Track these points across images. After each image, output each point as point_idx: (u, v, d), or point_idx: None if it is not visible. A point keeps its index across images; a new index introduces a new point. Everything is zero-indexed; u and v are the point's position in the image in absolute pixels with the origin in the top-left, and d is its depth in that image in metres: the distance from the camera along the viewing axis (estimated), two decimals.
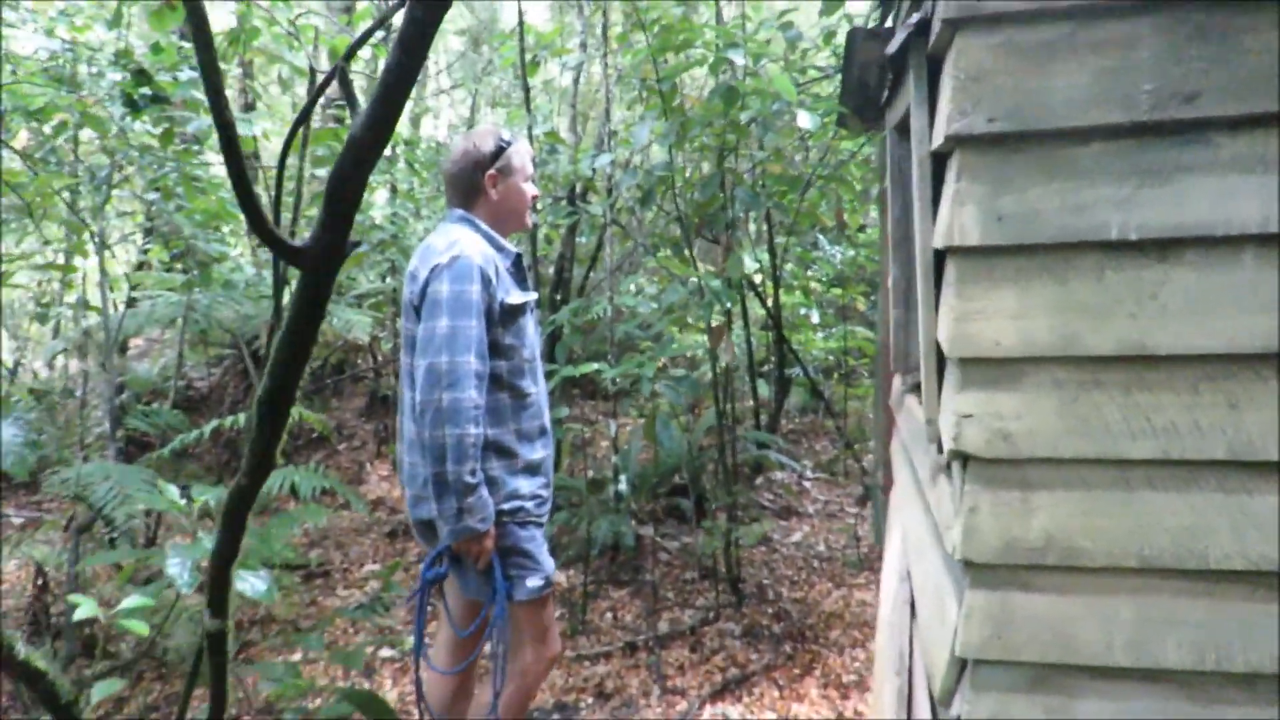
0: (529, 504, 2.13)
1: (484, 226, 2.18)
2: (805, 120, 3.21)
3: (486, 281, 2.03)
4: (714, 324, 3.60)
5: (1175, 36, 1.41)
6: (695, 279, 3.22)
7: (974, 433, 1.58)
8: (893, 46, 1.77)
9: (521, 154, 2.23)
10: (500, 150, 2.18)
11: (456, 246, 2.04)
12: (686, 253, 3.59)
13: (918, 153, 1.82)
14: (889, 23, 2.98)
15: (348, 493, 3.98)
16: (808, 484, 5.97)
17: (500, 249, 2.17)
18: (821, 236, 7.40)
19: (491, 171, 2.17)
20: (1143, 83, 1.43)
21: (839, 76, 4.68)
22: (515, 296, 2.13)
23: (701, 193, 3.36)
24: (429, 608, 2.13)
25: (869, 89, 3.87)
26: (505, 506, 2.08)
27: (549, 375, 4.21)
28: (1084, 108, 1.46)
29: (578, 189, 4.76)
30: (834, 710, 2.80)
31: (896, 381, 2.93)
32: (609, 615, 3.54)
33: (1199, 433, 1.50)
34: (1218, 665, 1.54)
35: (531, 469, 2.15)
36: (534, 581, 2.12)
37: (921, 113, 1.80)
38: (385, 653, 3.40)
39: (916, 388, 2.68)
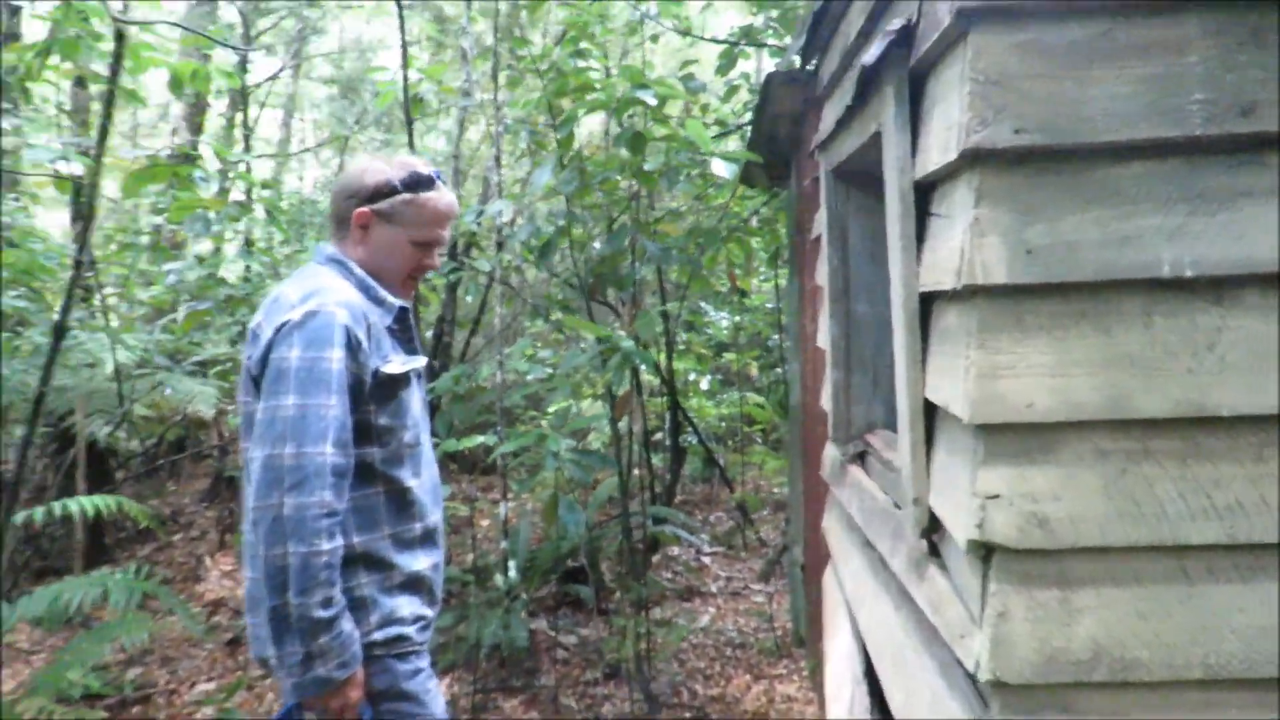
0: (410, 629, 1.63)
1: (358, 272, 1.69)
2: (721, 169, 2.96)
3: (354, 345, 1.56)
4: (621, 390, 3.23)
5: (1227, 40, 1.19)
6: (603, 339, 2.86)
7: (1003, 518, 1.26)
8: (869, 57, 1.50)
9: (423, 206, 1.71)
10: (388, 189, 1.69)
11: (315, 299, 1.55)
12: (587, 313, 3.23)
13: (898, 184, 1.55)
14: (806, 59, 2.80)
15: (174, 603, 3.27)
16: (706, 559, 5.61)
17: (378, 301, 1.69)
18: (703, 303, 7.25)
19: (364, 209, 1.69)
20: (1193, 92, 1.20)
21: (741, 131, 4.52)
22: (395, 364, 1.64)
23: (607, 244, 3.03)
24: None
25: (777, 142, 3.70)
26: (379, 635, 1.58)
27: None
28: (1126, 121, 1.21)
29: (459, 245, 4.33)
30: None
31: (830, 451, 2.64)
32: None
33: (1268, 511, 1.24)
34: None
35: (413, 584, 1.65)
36: None
37: (903, 137, 1.53)
38: None
39: (861, 457, 2.39)
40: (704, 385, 6.75)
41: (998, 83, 1.22)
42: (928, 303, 1.55)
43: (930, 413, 1.56)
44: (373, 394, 1.60)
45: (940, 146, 1.36)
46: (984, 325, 1.25)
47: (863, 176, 2.35)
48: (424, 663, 1.67)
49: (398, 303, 1.73)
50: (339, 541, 1.47)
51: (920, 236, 1.55)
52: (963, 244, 1.26)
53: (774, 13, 4.46)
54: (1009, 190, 1.24)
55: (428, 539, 1.71)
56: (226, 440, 6.44)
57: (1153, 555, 1.27)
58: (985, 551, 1.30)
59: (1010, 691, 1.29)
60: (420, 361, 1.77)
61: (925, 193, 1.54)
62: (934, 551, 1.61)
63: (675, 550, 5.62)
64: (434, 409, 4.61)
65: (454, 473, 7.00)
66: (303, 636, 1.43)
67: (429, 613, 1.68)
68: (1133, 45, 1.21)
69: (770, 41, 4.81)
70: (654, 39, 4.75)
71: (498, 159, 3.66)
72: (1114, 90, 1.21)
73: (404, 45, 3.42)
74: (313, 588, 1.42)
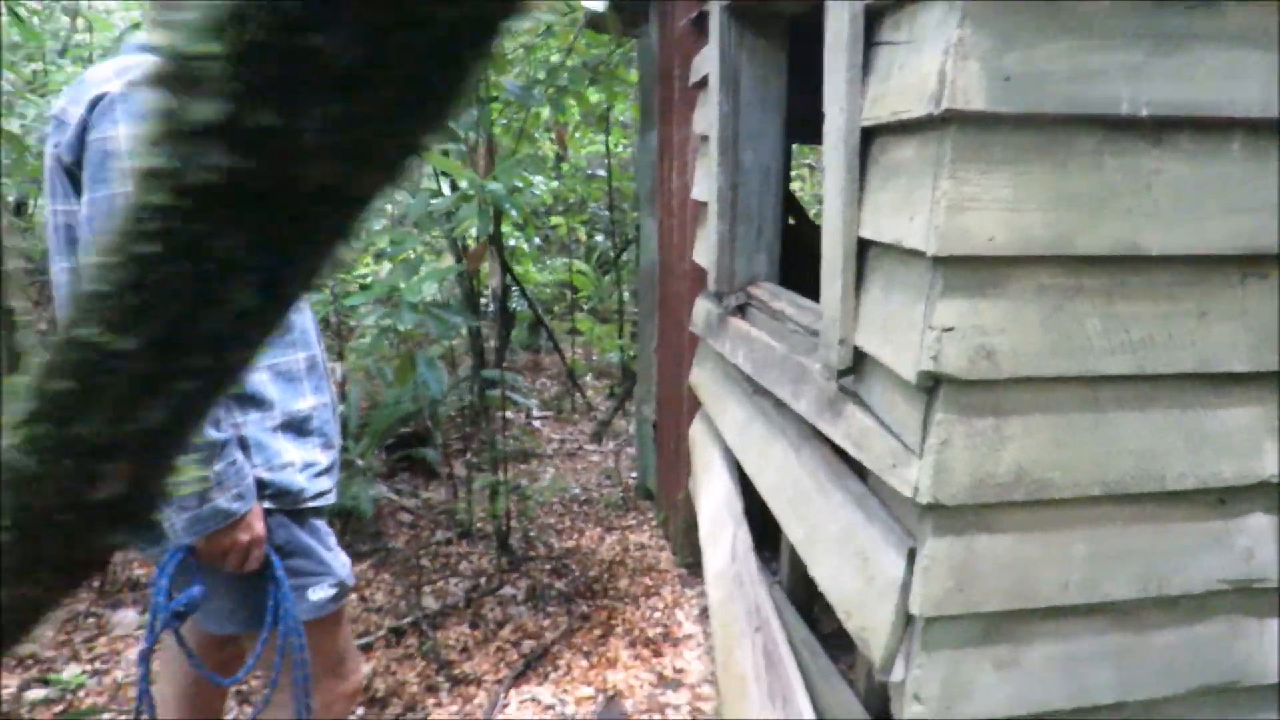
0: (300, 477, 1.45)
1: None
2: (593, 3, 2.72)
3: None
4: (474, 242, 3.01)
5: None
6: (470, 183, 2.61)
7: (955, 351, 1.29)
8: None
9: None
10: None
11: (133, 73, 1.28)
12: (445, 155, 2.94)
13: (849, 8, 1.46)
14: None
15: None
16: (537, 423, 5.61)
17: None
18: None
19: None
20: None
21: None
22: None
23: None
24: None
25: None
26: (266, 476, 1.39)
27: None
28: None
29: None
30: (653, 671, 2.49)
31: (705, 305, 2.63)
32: (355, 598, 2.87)
33: (1172, 345, 1.35)
34: (1158, 591, 1.45)
35: (297, 425, 1.46)
36: (319, 592, 1.46)
37: None
38: (36, 694, 2.41)
39: (741, 309, 2.40)
40: (527, 249, 6.54)
41: None
42: (866, 138, 1.51)
43: (860, 252, 1.55)
44: None
45: None
46: (957, 155, 1.23)
47: (760, 16, 2.24)
48: (318, 519, 1.50)
49: None
50: None
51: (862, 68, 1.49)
52: (942, 66, 1.21)
53: None
54: (992, 13, 1.20)
55: (312, 369, 1.51)
56: None
57: (1073, 385, 1.36)
58: (932, 383, 1.33)
59: (942, 513, 1.36)
60: None
61: (869, 20, 1.47)
62: (846, 392, 1.65)
63: (509, 415, 5.56)
64: None
65: None
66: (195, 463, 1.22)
67: (323, 458, 1.49)
68: None
69: None
70: None
71: None
72: None
73: None
74: None
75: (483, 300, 6.49)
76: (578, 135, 7.09)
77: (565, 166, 7.24)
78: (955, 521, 1.37)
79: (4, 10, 3.09)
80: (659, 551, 3.31)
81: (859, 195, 1.52)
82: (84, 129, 1.24)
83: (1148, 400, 1.38)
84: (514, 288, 5.77)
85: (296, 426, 1.46)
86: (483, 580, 3.04)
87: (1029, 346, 1.32)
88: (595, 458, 4.87)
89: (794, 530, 1.86)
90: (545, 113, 4.46)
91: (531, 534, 3.49)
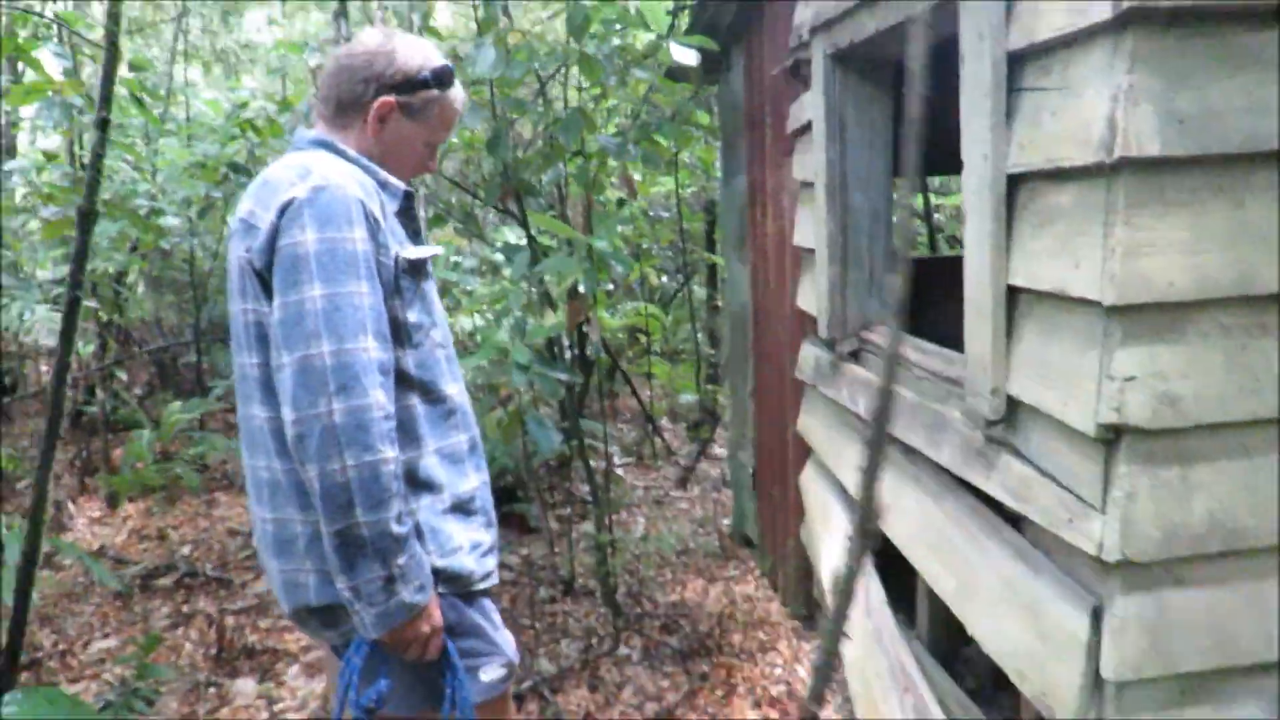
0: (470, 560, 1.43)
1: (353, 154, 1.43)
2: (683, 54, 2.75)
3: (372, 224, 1.32)
4: (570, 297, 3.04)
5: None
6: (576, 242, 2.64)
7: (1138, 400, 1.24)
8: None
9: (448, 105, 1.49)
10: (420, 81, 1.43)
11: (316, 174, 1.31)
12: (545, 216, 2.99)
13: (989, 55, 1.45)
14: None
15: (78, 554, 2.85)
16: (619, 470, 5.59)
17: (383, 185, 1.43)
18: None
19: (389, 98, 1.42)
20: None
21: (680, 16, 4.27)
22: (412, 249, 1.42)
23: (564, 135, 2.78)
24: None
25: (717, 32, 3.51)
26: (440, 563, 1.38)
27: None
28: None
29: None
30: None
31: (813, 350, 2.60)
32: None
33: None
34: None
35: (463, 506, 1.45)
36: (490, 673, 1.45)
37: (995, 2, 1.43)
38: None
39: (855, 355, 2.36)
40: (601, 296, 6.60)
41: None
42: (1012, 184, 1.48)
43: (1010, 299, 1.51)
44: (398, 282, 1.37)
45: (1066, 9, 1.27)
46: (1132, 200, 1.20)
47: (865, 63, 2.24)
48: (486, 598, 1.50)
49: (403, 186, 1.48)
50: (398, 449, 1.27)
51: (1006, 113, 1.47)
52: (1109, 113, 1.19)
53: None
54: (1161, 55, 1.17)
55: (474, 450, 1.52)
56: (74, 369, 5.69)
57: (1263, 428, 1.29)
58: (1113, 434, 1.28)
59: (1132, 569, 1.30)
60: (437, 249, 1.54)
61: (1012, 65, 1.45)
62: (996, 441, 1.60)
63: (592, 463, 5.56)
64: None
65: None
66: (383, 558, 1.23)
67: (486, 537, 1.49)
68: None
69: None
70: None
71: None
72: None
73: None
74: (386, 500, 1.23)
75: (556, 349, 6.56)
76: (638, 178, 7.18)
77: (631, 210, 7.32)
78: (1145, 578, 1.31)
79: (127, 93, 3.26)
80: (768, 603, 3.25)
81: (1007, 242, 1.49)
82: (275, 234, 1.27)
83: None
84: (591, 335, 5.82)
85: (463, 508, 1.46)
86: (594, 640, 3.01)
87: (1213, 390, 1.26)
88: (683, 504, 4.82)
89: (942, 582, 1.80)
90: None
91: (635, 589, 3.46)
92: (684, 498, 5.01)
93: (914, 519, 1.95)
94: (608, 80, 3.10)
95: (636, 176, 6.40)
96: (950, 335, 1.78)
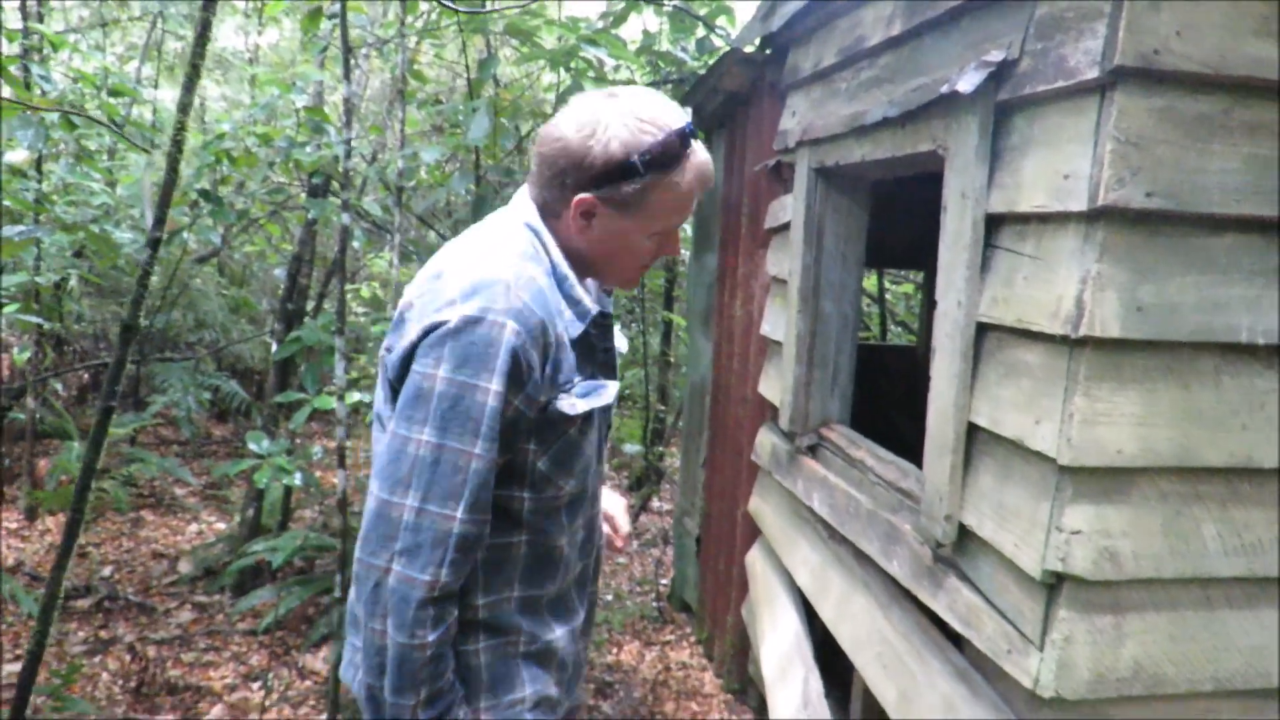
0: (528, 715, 1.29)
1: (555, 254, 1.24)
2: None
3: (522, 375, 1.15)
4: None
5: None
6: None
7: (1083, 553, 1.36)
8: (965, 86, 1.50)
9: (673, 186, 1.19)
10: (626, 171, 1.16)
11: (483, 295, 1.13)
12: None
13: (970, 214, 1.58)
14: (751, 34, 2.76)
15: None
16: None
17: (572, 300, 1.24)
18: None
19: (587, 195, 1.19)
20: None
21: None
22: (574, 398, 1.22)
23: None
24: None
25: (703, 116, 3.65)
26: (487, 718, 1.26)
27: (294, 406, 3.34)
28: (1232, 195, 1.31)
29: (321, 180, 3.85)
30: None
31: (772, 438, 2.70)
32: None
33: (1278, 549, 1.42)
34: None
35: (542, 656, 1.32)
36: None
37: (981, 168, 1.56)
38: None
39: (813, 450, 2.47)
40: None
41: (1136, 144, 1.27)
42: (980, 330, 1.61)
43: (969, 434, 1.63)
44: (536, 432, 1.21)
45: (1047, 190, 1.40)
46: (1091, 374, 1.32)
47: (847, 180, 2.38)
48: None
49: (595, 308, 1.27)
50: (447, 628, 1.17)
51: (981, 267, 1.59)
52: (1078, 294, 1.31)
53: None
54: (1128, 249, 1.31)
55: (567, 607, 1.38)
56: (8, 379, 5.46)
57: (1189, 586, 1.42)
58: (1056, 580, 1.39)
59: (1063, 705, 1.41)
60: (609, 394, 1.31)
61: (990, 225, 1.59)
62: (945, 562, 1.71)
63: None
64: (286, 365, 4.13)
65: (317, 434, 6.48)
66: None
67: (554, 693, 1.35)
68: (1245, 124, 1.30)
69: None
70: None
71: (401, 93, 3.30)
72: (1225, 165, 1.30)
73: None
74: (410, 687, 1.15)
75: None
76: None
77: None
78: (1073, 714, 1.41)
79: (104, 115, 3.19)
80: (702, 673, 3.30)
81: (971, 382, 1.61)
82: (411, 354, 1.15)
83: (1257, 600, 1.45)
84: None
85: (540, 657, 1.36)
86: None
87: (1149, 549, 1.38)
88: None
89: (884, 690, 1.89)
90: None
91: None
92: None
93: (862, 624, 2.04)
94: None
95: None
96: (897, 424, 1.87)
